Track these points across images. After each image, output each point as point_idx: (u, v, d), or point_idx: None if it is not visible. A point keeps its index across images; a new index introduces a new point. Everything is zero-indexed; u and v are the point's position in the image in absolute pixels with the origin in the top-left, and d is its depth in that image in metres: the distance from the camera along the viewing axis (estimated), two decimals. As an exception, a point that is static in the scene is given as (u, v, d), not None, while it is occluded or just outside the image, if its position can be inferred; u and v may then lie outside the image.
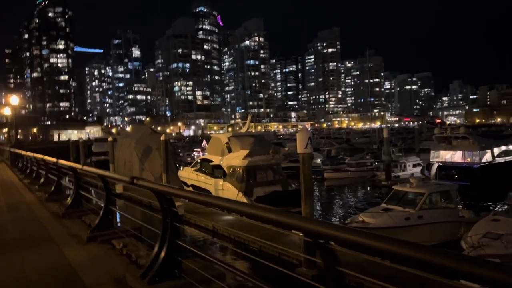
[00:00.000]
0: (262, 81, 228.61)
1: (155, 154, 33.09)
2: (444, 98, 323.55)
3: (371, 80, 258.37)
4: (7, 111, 29.40)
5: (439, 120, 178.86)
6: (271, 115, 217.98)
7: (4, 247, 4.56)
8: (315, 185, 35.97)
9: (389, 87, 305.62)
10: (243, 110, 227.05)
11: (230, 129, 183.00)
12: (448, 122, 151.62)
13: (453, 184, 17.52)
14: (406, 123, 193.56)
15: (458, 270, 1.27)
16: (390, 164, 32.03)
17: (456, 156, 30.59)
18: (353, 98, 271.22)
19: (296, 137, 13.56)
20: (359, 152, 48.57)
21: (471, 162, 29.77)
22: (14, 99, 21.41)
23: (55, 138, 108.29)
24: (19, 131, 55.42)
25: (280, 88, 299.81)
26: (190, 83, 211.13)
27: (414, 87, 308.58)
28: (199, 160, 28.13)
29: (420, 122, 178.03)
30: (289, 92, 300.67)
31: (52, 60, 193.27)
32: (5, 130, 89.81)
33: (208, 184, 24.80)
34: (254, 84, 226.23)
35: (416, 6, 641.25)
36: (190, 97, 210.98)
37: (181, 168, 30.73)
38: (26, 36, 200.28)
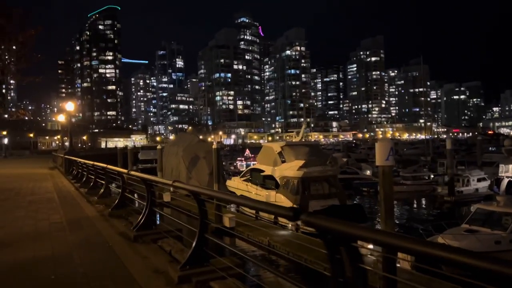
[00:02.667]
0: (303, 90, 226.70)
1: (202, 163, 32.55)
2: (495, 109, 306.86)
3: (417, 90, 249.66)
4: (61, 118, 29.82)
5: (492, 132, 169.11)
6: (312, 125, 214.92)
7: (73, 290, 3.48)
8: (368, 199, 33.97)
9: (435, 96, 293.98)
10: (283, 120, 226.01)
11: (270, 138, 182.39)
12: None
13: (548, 204, 15.23)
14: (455, 134, 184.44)
15: None
16: (453, 178, 29.51)
17: (529, 170, 27.68)
18: (397, 107, 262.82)
19: (376, 148, 12.14)
20: (412, 164, 45.98)
21: (548, 177, 26.79)
22: (70, 105, 21.26)
23: (103, 146, 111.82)
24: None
25: (320, 98, 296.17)
26: (232, 92, 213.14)
27: (462, 96, 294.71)
28: (249, 170, 27.15)
29: (470, 133, 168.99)
30: (329, 102, 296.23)
31: (101, 70, 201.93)
32: (56, 137, 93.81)
33: (259, 195, 23.68)
34: (294, 94, 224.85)
35: (464, 14, 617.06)
36: (231, 107, 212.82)
37: (230, 178, 29.84)
38: (77, 47, 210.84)
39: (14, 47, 16.25)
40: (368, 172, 42.55)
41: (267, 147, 25.54)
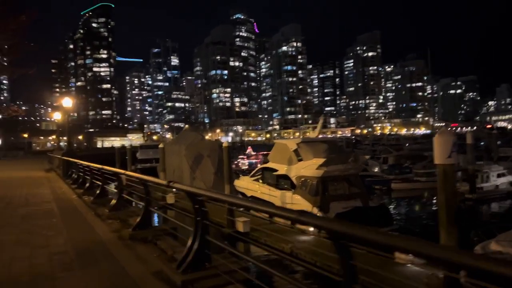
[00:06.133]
0: (300, 86, 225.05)
1: (206, 162, 30.68)
2: (490, 103, 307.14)
3: (414, 85, 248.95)
4: (57, 116, 27.93)
5: (490, 125, 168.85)
6: (309, 121, 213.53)
7: None
8: (379, 195, 32.32)
9: (431, 91, 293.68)
10: (280, 117, 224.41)
11: (268, 135, 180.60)
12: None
13: None
14: (454, 128, 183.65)
15: None
16: (474, 175, 27.95)
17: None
18: (394, 103, 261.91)
19: (434, 142, 10.35)
20: (419, 159, 44.64)
21: None
22: (67, 101, 19.12)
23: (99, 145, 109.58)
24: (65, 138, 55.02)
25: (316, 94, 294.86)
26: (228, 90, 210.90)
27: (458, 91, 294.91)
28: (260, 169, 25.38)
29: (469, 128, 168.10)
30: (326, 98, 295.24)
31: (95, 69, 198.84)
32: (51, 137, 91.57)
33: (273, 196, 21.93)
34: (291, 90, 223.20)
35: (459, 8, 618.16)
36: (228, 104, 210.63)
37: (239, 177, 28.05)
38: (71, 46, 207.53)
39: (5, 36, 14.37)
40: (376, 169, 41.04)
41: (281, 144, 23.71)
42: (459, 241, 15.68)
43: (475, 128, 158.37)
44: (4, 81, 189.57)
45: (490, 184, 29.45)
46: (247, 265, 3.47)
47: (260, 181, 24.05)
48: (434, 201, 29.85)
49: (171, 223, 5.82)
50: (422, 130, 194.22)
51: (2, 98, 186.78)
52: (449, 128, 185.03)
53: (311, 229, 17.88)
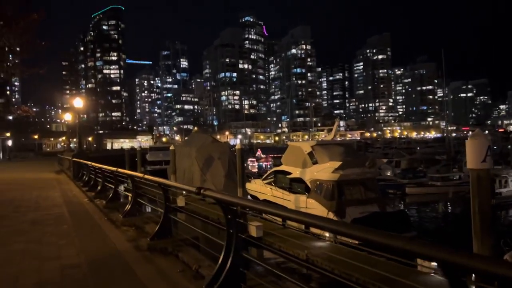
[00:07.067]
0: (309, 89, 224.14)
1: (217, 164, 30.33)
2: (502, 106, 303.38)
3: (424, 88, 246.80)
4: (67, 117, 27.78)
5: (502, 129, 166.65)
6: (318, 124, 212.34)
7: None
8: (396, 202, 31.58)
9: (441, 94, 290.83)
10: (288, 119, 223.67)
11: (276, 138, 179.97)
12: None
13: None
14: (465, 132, 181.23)
15: None
16: (494, 180, 27.16)
17: None
18: (404, 106, 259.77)
19: (466, 146, 9.73)
20: (434, 163, 43.94)
21: None
22: (78, 102, 18.79)
23: (108, 147, 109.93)
24: (75, 139, 55.03)
25: (325, 97, 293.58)
26: (237, 92, 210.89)
27: (469, 94, 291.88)
28: (273, 172, 24.86)
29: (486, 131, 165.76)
30: (335, 101, 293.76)
31: (105, 71, 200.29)
32: (61, 138, 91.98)
33: (286, 200, 21.38)
34: (300, 93, 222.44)
35: (469, 11, 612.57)
36: (237, 106, 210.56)
37: (250, 180, 27.54)
38: (81, 48, 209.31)
39: (14, 36, 14.07)
40: (388, 173, 40.34)
41: (295, 147, 23.16)
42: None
43: (486, 132, 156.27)
44: (16, 83, 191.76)
45: (508, 189, 28.70)
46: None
47: (273, 184, 23.54)
48: (450, 206, 29.12)
49: (185, 229, 5.33)
50: (432, 134, 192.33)
51: (13, 99, 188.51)
52: (460, 132, 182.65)
53: (327, 234, 17.17)
